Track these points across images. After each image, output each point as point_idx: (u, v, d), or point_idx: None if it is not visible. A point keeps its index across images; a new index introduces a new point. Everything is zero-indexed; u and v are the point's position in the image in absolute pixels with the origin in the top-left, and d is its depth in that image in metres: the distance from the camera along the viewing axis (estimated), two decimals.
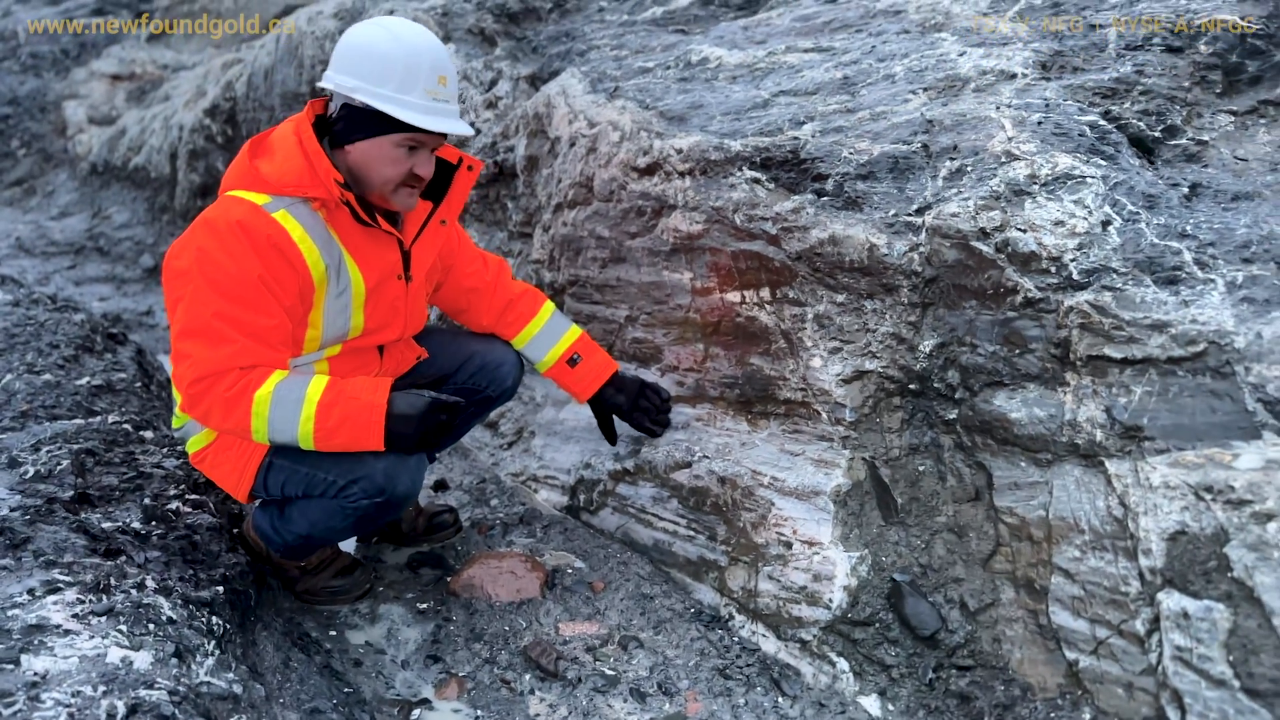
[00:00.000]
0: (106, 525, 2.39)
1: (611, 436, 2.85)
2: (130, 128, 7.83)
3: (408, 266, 2.40)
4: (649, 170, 2.93)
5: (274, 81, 5.58)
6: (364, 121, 2.16)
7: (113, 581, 2.16)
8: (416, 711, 2.19)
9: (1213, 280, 1.92)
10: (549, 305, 2.76)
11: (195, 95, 6.90)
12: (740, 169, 2.68)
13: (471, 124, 4.04)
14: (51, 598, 2.06)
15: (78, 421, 2.88)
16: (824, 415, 2.44)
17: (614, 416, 2.81)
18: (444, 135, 2.24)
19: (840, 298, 2.44)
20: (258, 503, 2.48)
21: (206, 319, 2.09)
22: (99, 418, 2.94)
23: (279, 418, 2.12)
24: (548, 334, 2.73)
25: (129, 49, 11.12)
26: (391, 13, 4.71)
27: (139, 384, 3.35)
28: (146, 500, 2.55)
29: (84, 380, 3.17)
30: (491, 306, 2.71)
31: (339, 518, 2.30)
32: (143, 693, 1.82)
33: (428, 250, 2.47)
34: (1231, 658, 1.70)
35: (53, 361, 3.25)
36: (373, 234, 2.29)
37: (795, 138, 2.64)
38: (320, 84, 2.20)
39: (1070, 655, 1.97)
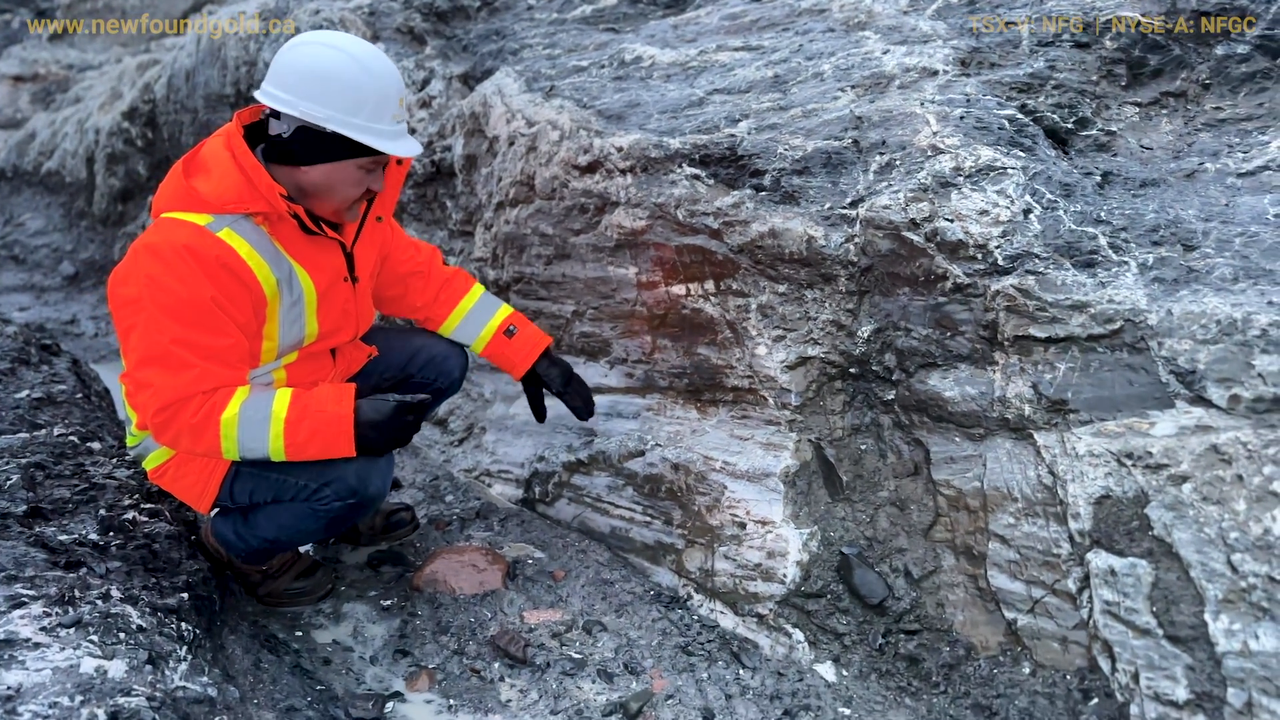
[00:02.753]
0: (64, 538, 2.38)
1: (541, 414, 2.85)
2: (40, 131, 7.59)
3: (352, 268, 2.43)
4: (590, 168, 3.01)
5: (196, 83, 5.49)
6: (326, 146, 2.16)
7: (77, 593, 2.16)
8: (389, 705, 2.25)
9: (1126, 263, 2.07)
10: (479, 286, 2.82)
11: (111, 97, 6.73)
12: (680, 166, 2.78)
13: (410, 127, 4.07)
14: (17, 612, 2.06)
15: (22, 435, 2.84)
16: (770, 401, 2.55)
17: (544, 393, 2.81)
18: None
19: (782, 288, 2.55)
20: (214, 511, 2.50)
21: (164, 346, 2.08)
22: (44, 430, 2.91)
23: (249, 437, 2.15)
24: (481, 310, 2.76)
25: (30, 49, 10.74)
26: (318, 13, 4.69)
27: (79, 395, 3.31)
28: (102, 511, 2.54)
29: (24, 393, 3.12)
30: (426, 288, 2.75)
31: (311, 520, 2.33)
32: (121, 700, 1.85)
33: (369, 249, 2.50)
34: (1154, 609, 1.86)
35: None
36: (316, 241, 2.31)
37: (732, 135, 2.74)
38: (271, 103, 2.14)
39: (1009, 615, 2.12)
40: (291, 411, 2.16)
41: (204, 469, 2.34)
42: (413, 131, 3.95)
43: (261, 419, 2.14)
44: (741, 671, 2.31)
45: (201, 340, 2.11)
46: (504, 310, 2.77)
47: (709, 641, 2.40)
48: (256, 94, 2.20)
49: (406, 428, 2.25)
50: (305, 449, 2.19)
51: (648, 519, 2.72)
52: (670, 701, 2.22)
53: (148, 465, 2.42)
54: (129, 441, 2.44)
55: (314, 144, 2.16)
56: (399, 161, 2.44)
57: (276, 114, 2.16)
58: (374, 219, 2.49)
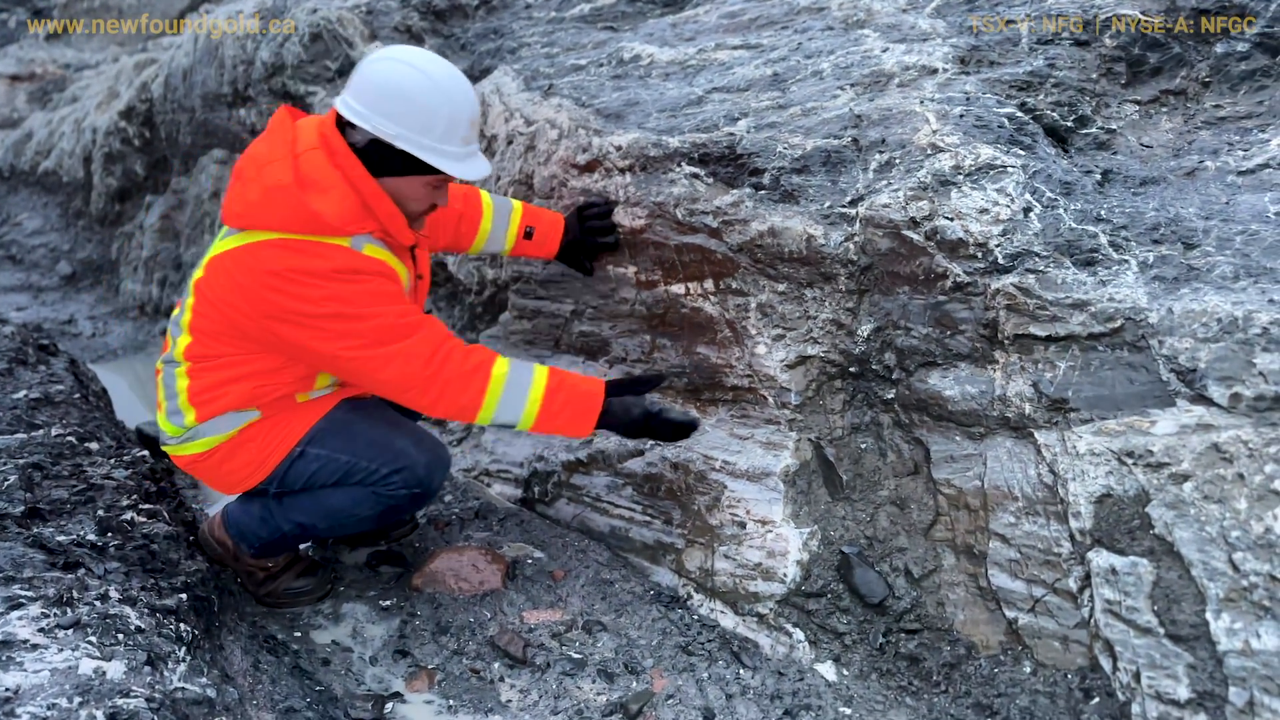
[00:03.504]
0: (62, 539, 2.38)
1: (587, 270, 2.97)
2: (37, 130, 7.58)
3: (415, 264, 2.52)
4: (589, 167, 3.00)
5: (193, 83, 5.47)
6: (398, 161, 2.23)
7: (75, 594, 2.16)
8: (389, 705, 2.24)
9: (1127, 261, 2.07)
10: (485, 196, 2.86)
11: (108, 97, 6.72)
12: (679, 165, 2.77)
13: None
14: (15, 613, 2.05)
15: (20, 436, 2.83)
16: (770, 400, 2.55)
17: (579, 257, 2.94)
18: None
19: (781, 287, 2.54)
20: (225, 503, 2.53)
21: (391, 322, 2.21)
22: (41, 431, 2.90)
23: (510, 399, 2.29)
24: (497, 226, 2.84)
25: (27, 48, 10.73)
26: (315, 12, 4.68)
27: (77, 395, 3.30)
28: (100, 512, 2.54)
29: (21, 394, 3.12)
30: (445, 230, 2.81)
31: (369, 506, 2.41)
32: (120, 701, 1.84)
33: (422, 248, 2.58)
34: (1156, 607, 1.86)
35: None
36: (395, 245, 2.40)
37: (731, 134, 2.74)
38: (349, 114, 2.20)
39: (1010, 614, 2.12)
40: (550, 380, 2.32)
41: (265, 446, 2.39)
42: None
43: (524, 383, 2.30)
44: (742, 671, 2.30)
45: (413, 309, 2.28)
46: (515, 214, 2.85)
47: (709, 641, 2.40)
48: (335, 102, 2.26)
49: (644, 430, 2.43)
50: (555, 419, 2.34)
51: (647, 519, 2.72)
52: (670, 701, 2.22)
53: (196, 449, 2.43)
54: (175, 433, 2.45)
55: (385, 157, 2.23)
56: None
57: (352, 124, 2.23)
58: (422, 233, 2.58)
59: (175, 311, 2.47)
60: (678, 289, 2.76)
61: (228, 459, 2.42)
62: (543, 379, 2.31)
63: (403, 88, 2.18)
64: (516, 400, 2.30)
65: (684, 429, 2.46)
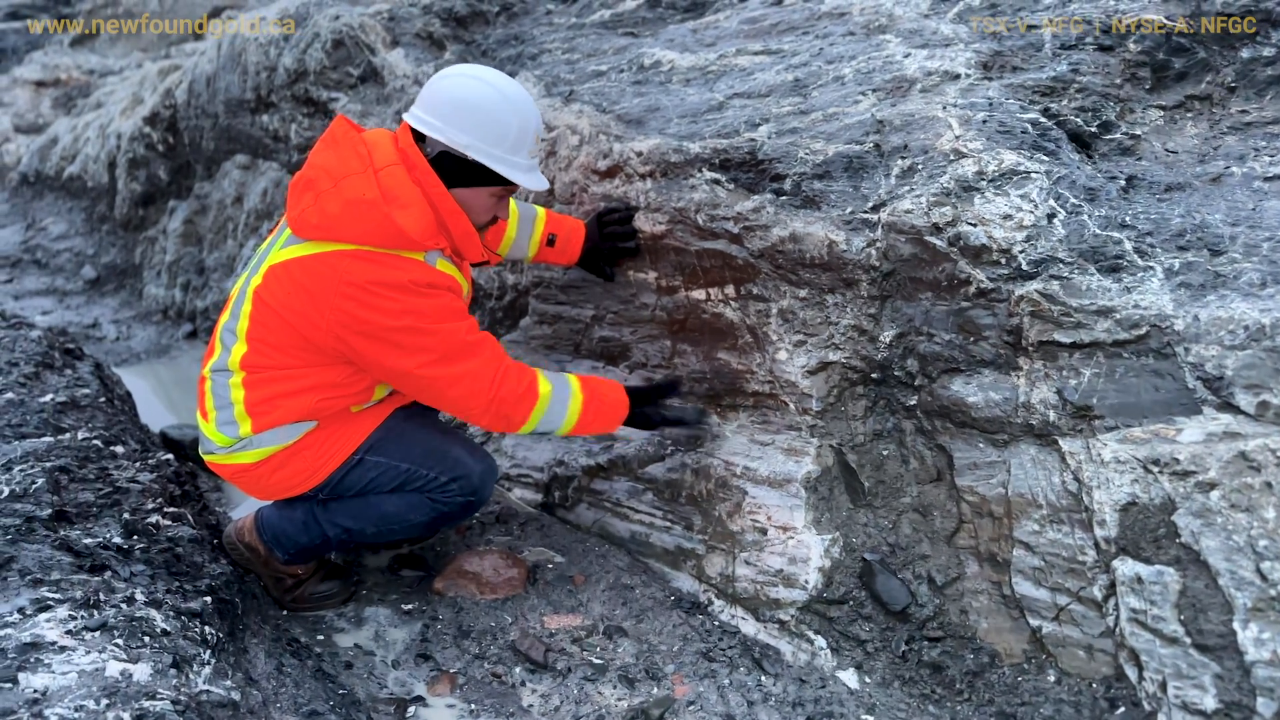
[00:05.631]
0: (88, 541, 2.40)
1: (608, 276, 2.99)
2: (62, 136, 7.66)
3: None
4: (610, 173, 3.01)
5: (217, 89, 5.52)
6: (467, 172, 2.30)
7: (102, 596, 2.18)
8: (412, 709, 2.25)
9: (1152, 268, 2.06)
10: (510, 204, 2.87)
11: (132, 103, 6.78)
12: (700, 170, 2.77)
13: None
14: (43, 615, 2.08)
15: (47, 439, 2.86)
16: (791, 406, 2.54)
17: (599, 264, 2.97)
18: None
19: (803, 293, 2.54)
20: (250, 505, 2.55)
21: (461, 339, 2.30)
22: (68, 434, 2.93)
23: (551, 416, 2.44)
24: (522, 232, 2.88)
25: (52, 55, 10.85)
26: (338, 19, 4.71)
27: (102, 399, 3.33)
28: (125, 515, 2.56)
29: (48, 397, 3.15)
30: None
31: (422, 513, 2.48)
32: (146, 704, 1.86)
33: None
34: (1182, 617, 1.84)
35: (14, 379, 3.22)
36: (458, 261, 2.47)
37: (752, 139, 2.74)
38: (421, 127, 2.28)
39: (1034, 622, 2.11)
40: (585, 393, 2.47)
41: (320, 455, 2.44)
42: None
43: (563, 400, 2.44)
44: (763, 678, 2.30)
45: (476, 329, 2.37)
46: (539, 221, 2.88)
47: (730, 648, 2.39)
48: (406, 116, 2.32)
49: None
50: (585, 429, 2.51)
51: (668, 524, 2.72)
52: (692, 708, 2.22)
53: (246, 459, 2.45)
54: (226, 443, 2.46)
55: (457, 170, 2.30)
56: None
57: (422, 138, 2.30)
58: None
59: (225, 318, 2.45)
60: (698, 294, 2.76)
61: (280, 468, 2.44)
62: (579, 397, 2.45)
63: (475, 101, 2.26)
64: (557, 417, 2.44)
65: (696, 437, 2.61)
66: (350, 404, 2.45)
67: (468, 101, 2.26)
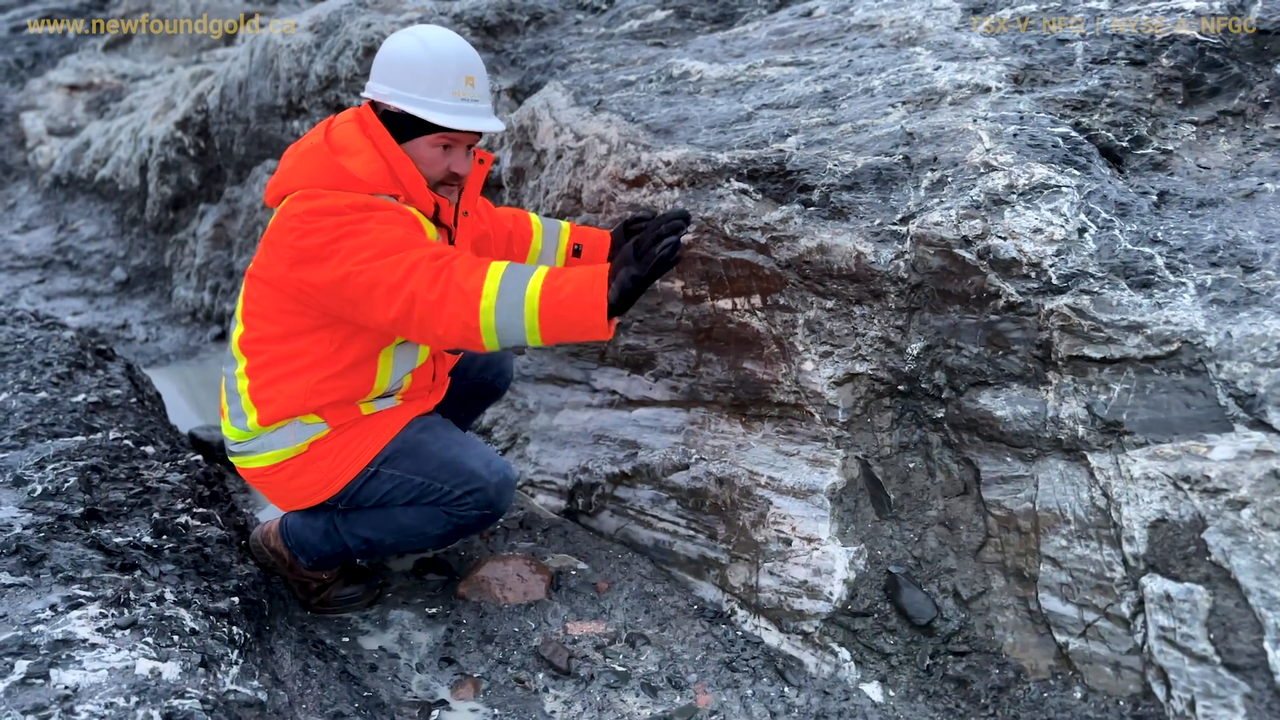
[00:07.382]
0: (119, 540, 2.43)
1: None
2: (95, 139, 7.76)
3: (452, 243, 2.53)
4: (637, 182, 3.02)
5: (248, 94, 5.59)
6: (401, 126, 2.31)
7: (132, 595, 2.20)
8: (435, 712, 2.26)
9: (1184, 283, 2.04)
10: (534, 218, 2.90)
11: (164, 107, 6.87)
12: (728, 180, 2.78)
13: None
14: (75, 613, 2.10)
15: (79, 439, 2.90)
16: (817, 416, 2.54)
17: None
18: (476, 133, 2.37)
19: (830, 304, 2.54)
20: (283, 515, 2.56)
21: (401, 233, 2.18)
22: (99, 434, 2.97)
23: (509, 288, 2.11)
24: (547, 245, 2.89)
25: (86, 59, 11.00)
26: (369, 26, 4.76)
27: (133, 400, 3.37)
28: (155, 515, 2.59)
29: (80, 397, 3.19)
30: (496, 245, 2.83)
31: (439, 525, 2.47)
32: (175, 702, 1.88)
33: (464, 241, 2.59)
34: (1212, 635, 1.83)
35: (47, 379, 3.27)
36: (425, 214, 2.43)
37: (780, 150, 2.74)
38: (366, 93, 2.36)
39: (1060, 638, 2.10)
40: (550, 272, 2.15)
41: (337, 464, 2.43)
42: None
43: (524, 274, 2.14)
44: (786, 689, 2.30)
45: (421, 234, 2.27)
46: (564, 233, 2.88)
47: (753, 658, 2.39)
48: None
49: (663, 261, 2.13)
50: (558, 305, 2.12)
51: (691, 533, 2.72)
52: (715, 718, 2.22)
53: (265, 462, 2.46)
54: (240, 437, 2.48)
55: (392, 126, 2.32)
56: (480, 161, 2.52)
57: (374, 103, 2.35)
58: (462, 214, 2.56)
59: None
60: (724, 304, 2.77)
61: (297, 475, 2.46)
62: (542, 270, 2.16)
63: (392, 51, 2.32)
64: (518, 288, 2.13)
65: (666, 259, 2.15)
66: (350, 395, 2.42)
67: (387, 53, 2.33)
